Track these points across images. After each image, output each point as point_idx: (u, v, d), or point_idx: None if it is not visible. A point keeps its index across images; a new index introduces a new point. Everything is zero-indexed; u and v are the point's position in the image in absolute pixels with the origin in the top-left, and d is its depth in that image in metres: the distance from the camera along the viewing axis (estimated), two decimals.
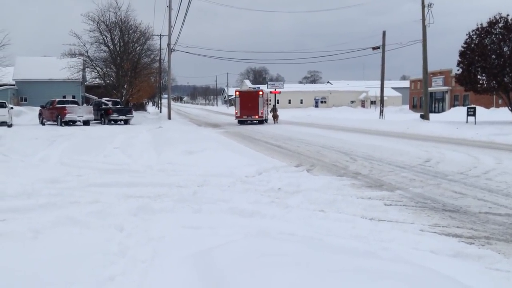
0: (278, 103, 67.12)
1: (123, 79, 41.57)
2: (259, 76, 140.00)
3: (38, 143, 16.64)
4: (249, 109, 34.58)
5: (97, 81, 44.16)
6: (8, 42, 39.69)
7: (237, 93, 36.34)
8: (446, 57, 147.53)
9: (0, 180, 8.65)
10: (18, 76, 50.03)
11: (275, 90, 63.75)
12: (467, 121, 28.09)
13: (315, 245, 4.40)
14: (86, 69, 44.44)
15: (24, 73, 49.94)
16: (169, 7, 39.32)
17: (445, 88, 57.97)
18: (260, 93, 35.34)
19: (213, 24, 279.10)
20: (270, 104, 41.15)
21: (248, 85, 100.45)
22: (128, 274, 4.05)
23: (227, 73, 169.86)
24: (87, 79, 48.21)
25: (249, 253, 3.83)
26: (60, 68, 40.46)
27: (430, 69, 39.02)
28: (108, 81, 42.47)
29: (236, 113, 35.36)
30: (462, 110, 35.08)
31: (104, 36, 40.85)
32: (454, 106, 53.67)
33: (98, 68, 41.83)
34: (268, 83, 74.40)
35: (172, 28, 39.89)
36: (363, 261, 3.61)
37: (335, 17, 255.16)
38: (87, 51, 40.23)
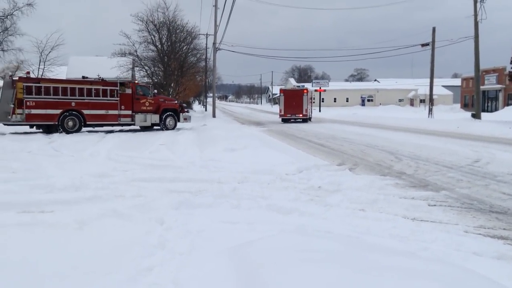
0: (323, 101, 66.64)
1: (170, 78, 42.44)
2: (304, 74, 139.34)
3: (87, 140, 17.29)
4: (293, 107, 34.51)
5: (146, 79, 45.28)
6: (62, 43, 41.59)
7: (281, 91, 36.35)
8: (500, 54, 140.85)
9: (51, 174, 9.06)
10: (71, 75, 51.95)
11: (320, 88, 63.59)
12: None
13: (352, 243, 4.34)
14: (135, 68, 45.65)
15: (77, 72, 51.70)
16: (215, 6, 39.83)
17: (499, 86, 55.62)
18: (305, 91, 35.18)
19: (252, 21, 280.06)
20: (314, 102, 40.83)
21: (292, 83, 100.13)
22: (165, 265, 4.17)
23: (272, 72, 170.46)
24: (136, 77, 49.54)
25: (284, 248, 3.84)
26: (110, 67, 41.79)
27: (483, 66, 37.53)
28: (155, 80, 43.48)
29: (280, 111, 35.36)
30: None
31: (152, 36, 41.80)
32: (508, 105, 51.43)
33: (146, 67, 42.90)
34: (313, 81, 74.22)
35: (217, 27, 40.37)
36: (400, 260, 3.54)
37: (379, 13, 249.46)
38: (136, 51, 41.31)
